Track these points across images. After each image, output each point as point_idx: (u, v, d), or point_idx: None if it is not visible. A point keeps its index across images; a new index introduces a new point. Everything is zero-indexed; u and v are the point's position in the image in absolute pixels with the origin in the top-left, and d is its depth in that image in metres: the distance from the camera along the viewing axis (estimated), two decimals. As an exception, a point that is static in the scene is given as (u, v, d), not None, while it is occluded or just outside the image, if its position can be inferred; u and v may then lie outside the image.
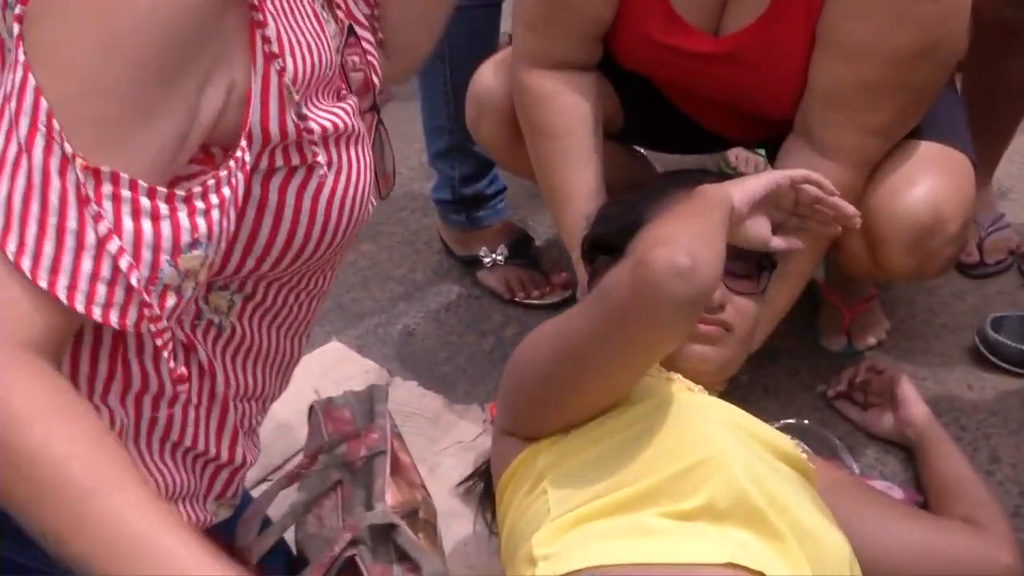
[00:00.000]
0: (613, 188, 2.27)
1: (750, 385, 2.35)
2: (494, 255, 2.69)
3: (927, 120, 2.15)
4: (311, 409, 1.86)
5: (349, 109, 1.37)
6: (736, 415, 1.79)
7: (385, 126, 1.55)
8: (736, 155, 2.91)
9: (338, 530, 1.67)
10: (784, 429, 2.13)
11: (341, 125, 1.33)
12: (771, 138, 2.23)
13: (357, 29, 1.47)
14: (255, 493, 1.79)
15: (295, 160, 1.28)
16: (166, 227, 1.13)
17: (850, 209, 1.94)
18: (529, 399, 1.77)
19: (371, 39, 1.53)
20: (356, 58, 1.45)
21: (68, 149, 1.06)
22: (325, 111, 1.32)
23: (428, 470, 2.12)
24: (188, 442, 1.38)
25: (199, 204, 1.15)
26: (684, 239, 1.63)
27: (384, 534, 1.67)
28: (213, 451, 1.42)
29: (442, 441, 2.24)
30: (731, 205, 1.80)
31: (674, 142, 2.58)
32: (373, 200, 1.45)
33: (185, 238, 1.14)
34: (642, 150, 2.74)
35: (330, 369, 2.36)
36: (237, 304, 1.38)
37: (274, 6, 1.23)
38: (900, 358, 2.49)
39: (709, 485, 1.59)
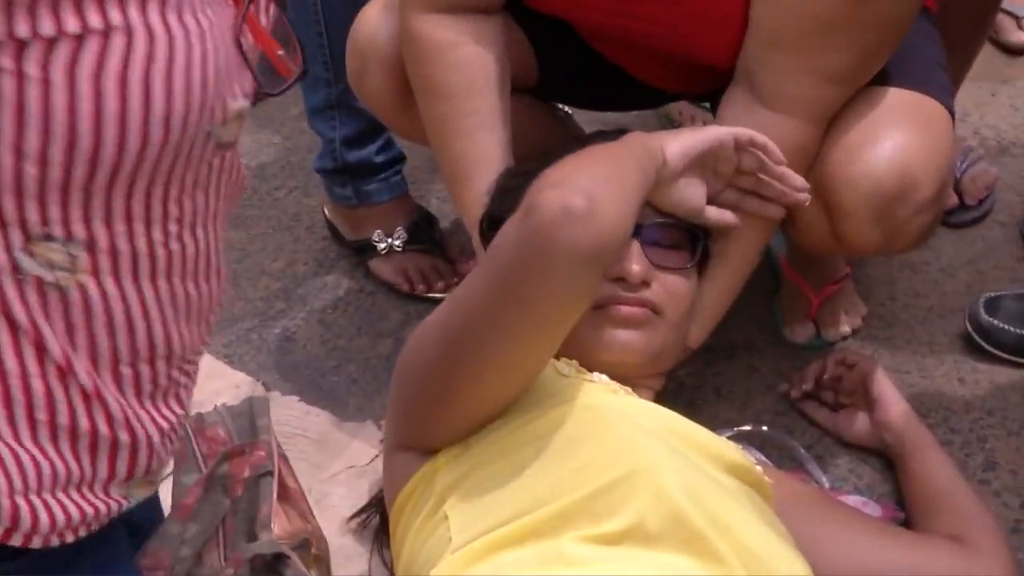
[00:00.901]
0: (528, 153, 2.26)
1: (699, 387, 2.39)
2: (390, 240, 2.72)
3: (895, 62, 2.17)
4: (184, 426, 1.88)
5: None
6: (672, 421, 1.82)
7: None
8: (680, 110, 2.96)
9: (219, 569, 1.75)
10: (739, 437, 2.21)
11: None
12: (715, 90, 2.25)
13: None
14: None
15: (55, 25, 1.22)
16: None
17: (798, 181, 1.99)
18: (420, 397, 1.80)
19: None
20: None
21: None
22: None
23: (314, 501, 2.13)
24: (61, 421, 1.38)
25: None
26: (582, 179, 1.67)
27: (269, 568, 1.74)
28: (91, 428, 1.40)
29: (331, 467, 2.27)
30: (662, 156, 1.84)
31: (601, 97, 2.62)
32: (243, 91, 1.39)
33: None
34: (566, 108, 2.76)
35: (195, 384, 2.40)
36: (81, 258, 1.33)
37: None
38: (878, 349, 2.52)
39: (636, 503, 1.61)
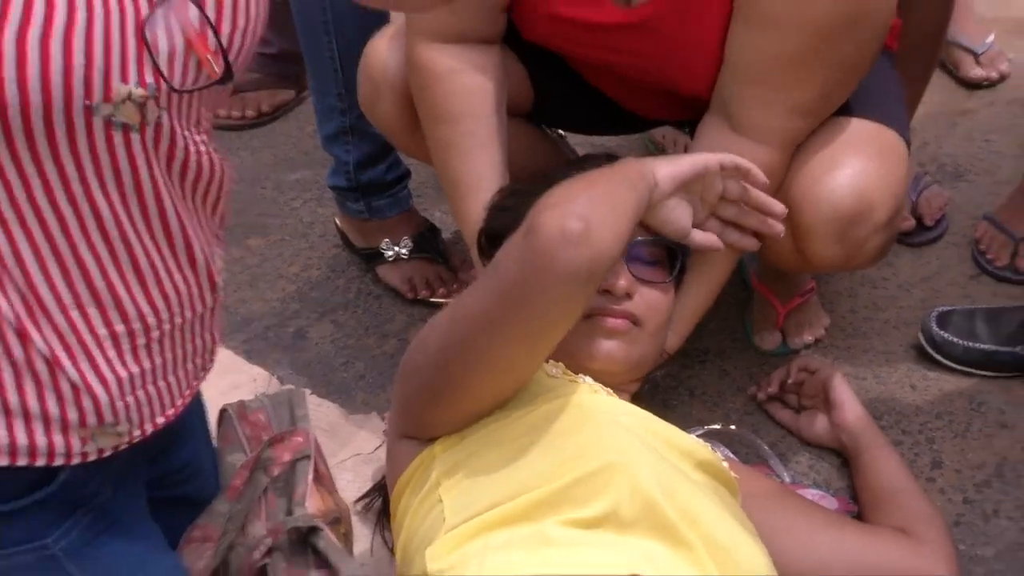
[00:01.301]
0: (523, 175, 2.28)
1: (675, 388, 2.40)
2: (397, 248, 2.72)
3: (857, 96, 2.19)
4: (222, 413, 1.91)
5: None
6: (648, 419, 1.85)
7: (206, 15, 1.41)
8: (663, 134, 2.96)
9: (260, 538, 1.73)
10: (709, 435, 2.21)
11: None
12: (694, 117, 2.25)
13: None
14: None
15: None
16: None
17: (777, 207, 2.00)
18: (422, 392, 1.81)
19: None
20: None
21: None
22: None
23: (323, 485, 2.14)
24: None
25: None
26: (579, 202, 1.69)
27: (303, 540, 1.73)
28: (35, 366, 1.39)
29: (339, 454, 2.28)
30: (654, 180, 1.86)
31: (591, 122, 2.62)
32: (138, 77, 1.34)
33: None
34: (559, 132, 2.76)
35: (214, 378, 2.38)
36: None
37: None
38: (839, 357, 2.54)
39: (612, 491, 1.64)
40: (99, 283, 1.41)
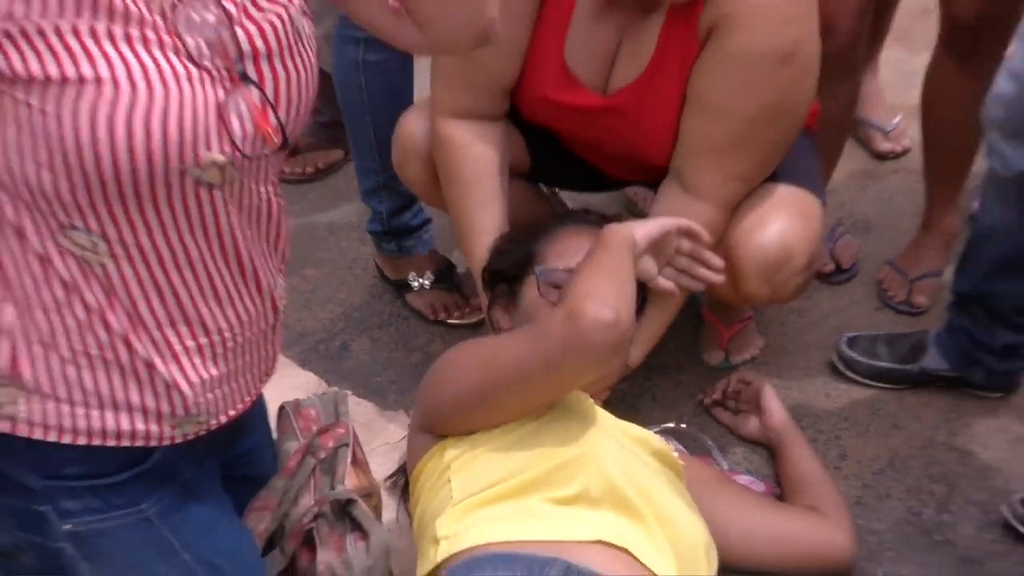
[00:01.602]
0: (521, 223, 2.29)
1: (639, 395, 2.39)
2: (421, 280, 2.70)
3: (783, 166, 2.22)
4: (281, 409, 1.88)
5: (122, 35, 1.26)
6: (616, 420, 1.89)
7: (265, 93, 1.40)
8: (635, 192, 2.93)
9: (308, 508, 1.73)
10: (665, 432, 2.21)
11: (84, 35, 1.22)
12: (657, 179, 2.26)
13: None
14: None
15: (42, 70, 1.22)
16: None
17: (718, 263, 2.01)
18: (450, 408, 1.83)
19: (270, 12, 1.41)
20: (211, 16, 1.33)
21: None
22: (70, 18, 1.22)
23: (360, 467, 2.11)
24: (112, 358, 1.39)
25: None
26: (609, 293, 1.74)
27: (342, 509, 1.72)
28: (138, 370, 1.40)
29: (372, 443, 2.26)
30: (634, 241, 1.88)
31: (577, 182, 2.60)
32: (221, 148, 1.35)
33: None
34: (554, 189, 2.73)
35: (274, 380, 2.34)
36: (102, 246, 1.33)
37: None
38: (769, 371, 2.51)
39: (583, 476, 1.68)
40: (187, 306, 1.41)
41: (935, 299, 2.68)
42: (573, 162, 2.43)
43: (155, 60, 1.27)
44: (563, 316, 1.72)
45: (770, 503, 2.16)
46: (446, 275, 2.73)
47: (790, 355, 2.62)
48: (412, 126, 2.36)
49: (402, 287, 2.76)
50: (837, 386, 2.54)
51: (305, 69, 1.44)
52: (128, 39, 1.25)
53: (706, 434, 2.36)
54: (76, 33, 1.21)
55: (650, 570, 1.65)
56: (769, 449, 2.32)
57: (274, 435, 1.89)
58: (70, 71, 1.21)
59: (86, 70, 1.21)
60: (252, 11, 1.38)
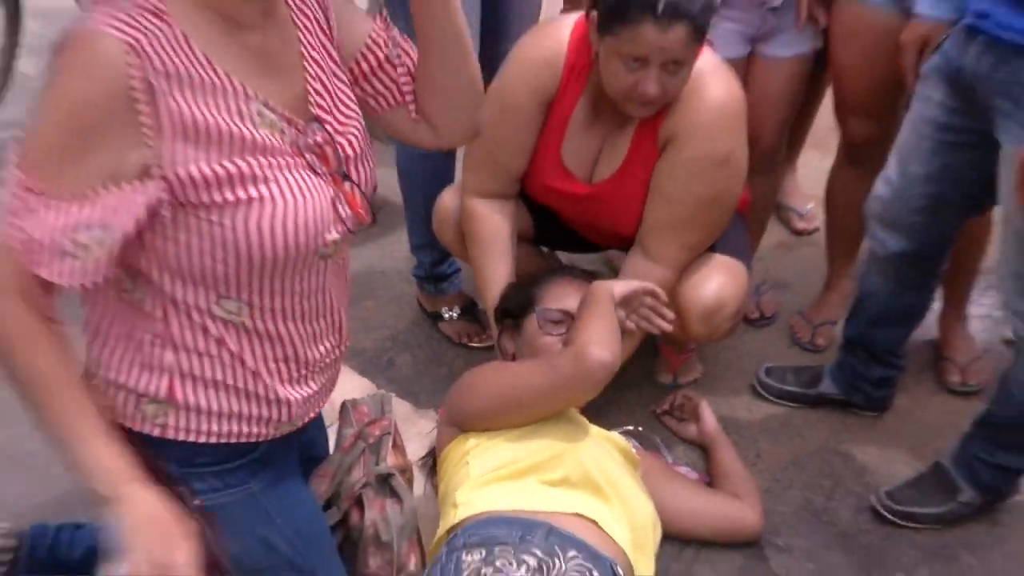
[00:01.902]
0: (525, 274, 2.28)
1: (609, 404, 2.36)
2: (451, 313, 2.69)
3: (720, 240, 2.25)
4: (343, 405, 1.86)
5: (281, 171, 1.30)
6: (589, 424, 1.91)
7: (360, 186, 1.44)
8: (611, 253, 2.80)
9: (359, 479, 1.73)
10: (626, 433, 2.19)
11: (254, 174, 1.27)
12: (627, 246, 2.26)
13: (324, 124, 1.40)
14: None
15: (221, 197, 1.25)
16: (57, 216, 1.17)
17: (669, 315, 2.00)
18: (475, 414, 1.86)
19: (349, 126, 1.44)
20: (319, 137, 1.38)
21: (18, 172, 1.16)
22: (241, 165, 1.27)
23: (399, 451, 2.02)
24: (242, 386, 1.41)
25: (94, 205, 1.18)
26: (607, 339, 1.78)
27: (384, 481, 1.73)
28: (260, 392, 1.42)
29: (408, 432, 2.18)
30: (613, 296, 1.89)
31: (567, 245, 2.58)
32: (336, 230, 1.38)
33: (73, 223, 1.18)
34: (552, 251, 2.69)
35: (338, 384, 2.13)
36: (245, 310, 1.36)
37: (182, 100, 1.21)
38: (706, 391, 2.51)
39: (566, 465, 1.73)
40: (298, 348, 1.44)
41: (831, 341, 2.67)
42: (566, 231, 2.43)
43: (294, 177, 1.31)
44: (573, 356, 1.76)
45: (702, 488, 2.18)
46: (470, 310, 2.71)
47: (722, 379, 2.62)
48: (448, 202, 2.37)
49: (436, 318, 2.74)
50: (756, 403, 2.55)
51: (373, 163, 1.47)
52: (275, 166, 1.30)
53: (656, 435, 2.37)
54: (246, 166, 1.27)
55: (612, 537, 1.68)
56: (703, 448, 2.33)
57: (335, 424, 1.87)
58: (242, 195, 1.26)
59: (252, 192, 1.27)
60: (339, 127, 1.42)
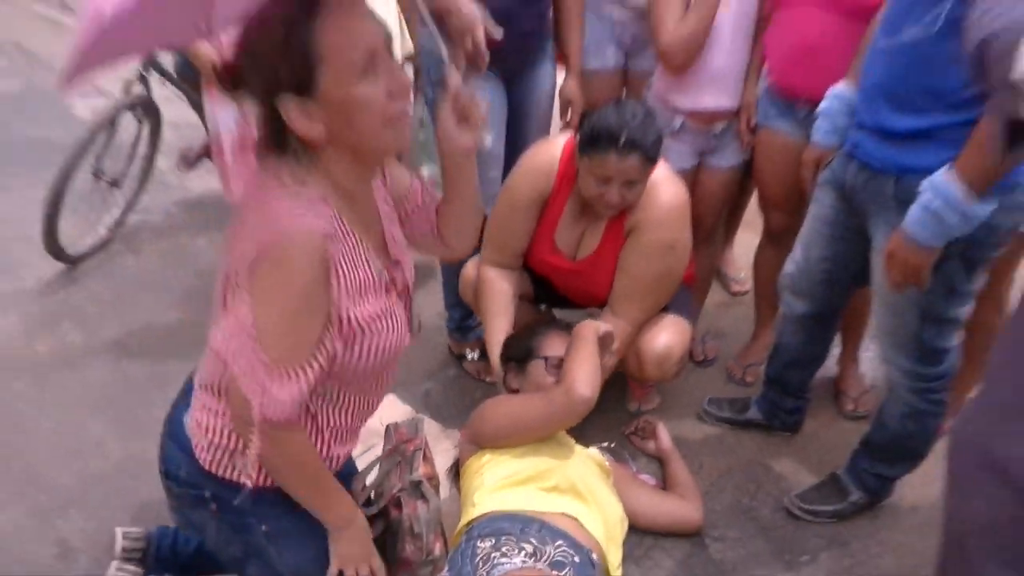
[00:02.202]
0: (522, 327, 2.24)
1: (588, 426, 2.13)
2: (472, 355, 2.64)
3: (670, 303, 2.29)
4: (387, 428, 1.81)
5: (385, 305, 1.30)
6: (575, 444, 1.96)
7: (411, 308, 1.42)
8: (593, 311, 2.54)
9: (396, 485, 1.68)
10: (601, 448, 2.15)
11: (376, 312, 1.27)
12: (602, 306, 2.24)
13: (400, 264, 1.37)
14: (362, 460, 1.77)
15: (359, 328, 1.25)
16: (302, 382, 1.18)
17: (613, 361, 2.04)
18: (490, 437, 1.87)
19: (408, 259, 1.42)
20: (396, 274, 1.36)
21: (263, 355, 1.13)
22: (370, 305, 1.26)
23: (430, 462, 2.00)
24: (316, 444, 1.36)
25: (314, 363, 1.18)
26: (592, 380, 1.79)
27: (416, 486, 1.68)
28: (324, 451, 1.38)
29: (436, 448, 2.09)
30: (597, 332, 1.92)
31: (559, 304, 2.53)
32: (406, 340, 1.36)
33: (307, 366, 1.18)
34: (548, 308, 2.64)
35: (384, 410, 1.84)
36: (337, 394, 1.34)
37: (345, 262, 1.20)
38: (663, 416, 2.50)
39: (557, 476, 1.76)
40: (354, 419, 1.41)
41: (757, 379, 2.65)
42: (558, 294, 2.42)
43: (392, 305, 1.31)
44: (564, 392, 1.79)
45: (658, 492, 2.17)
46: (485, 354, 2.30)
47: (675, 408, 2.60)
48: (470, 271, 2.36)
49: (462, 358, 2.71)
50: (700, 426, 2.54)
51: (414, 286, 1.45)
52: (389, 302, 1.30)
53: (625, 451, 2.35)
54: (379, 305, 1.27)
55: (590, 532, 1.71)
56: (660, 461, 2.31)
57: (383, 441, 1.80)
58: (376, 327, 1.26)
59: (380, 325, 1.27)
60: (404, 261, 1.41)
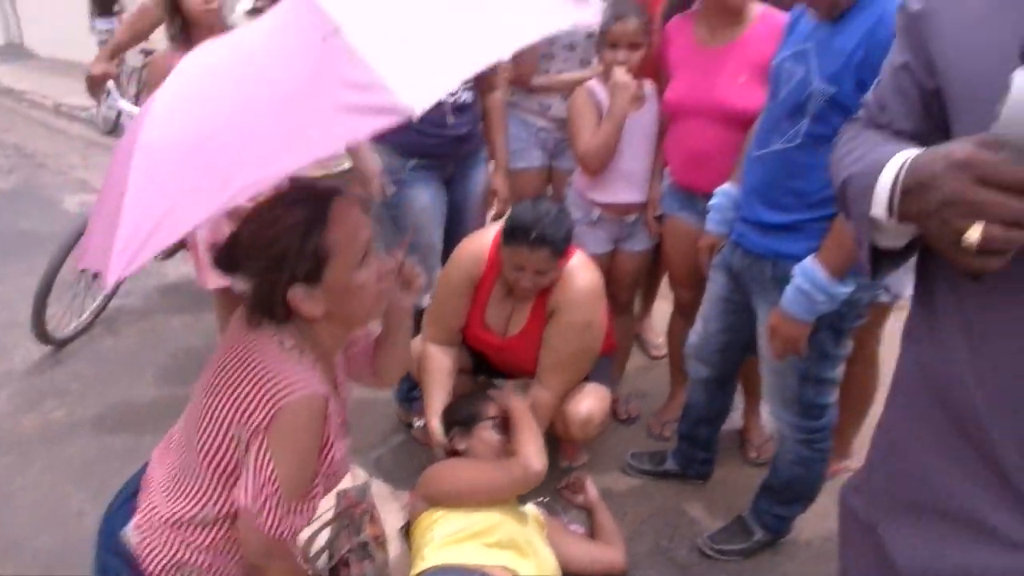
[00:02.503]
0: (465, 395, 2.26)
1: None
2: (419, 423, 2.42)
3: (591, 373, 2.38)
4: (337, 493, 1.84)
5: (343, 447, 1.36)
6: (516, 501, 1.98)
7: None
8: (523, 381, 2.49)
9: (343, 545, 1.73)
10: (538, 504, 2.21)
11: (338, 456, 1.35)
12: (531, 376, 2.29)
13: (341, 391, 1.41)
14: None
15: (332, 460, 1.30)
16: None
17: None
18: (442, 499, 1.87)
19: (346, 387, 1.45)
20: (342, 397, 1.40)
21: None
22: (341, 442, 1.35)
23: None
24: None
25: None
26: (540, 452, 1.86)
27: (364, 547, 1.74)
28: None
29: (385, 508, 2.07)
30: (527, 408, 2.00)
31: (494, 375, 2.55)
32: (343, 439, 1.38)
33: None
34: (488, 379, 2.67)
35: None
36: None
37: (331, 413, 1.26)
38: (591, 470, 2.56)
39: (499, 532, 1.84)
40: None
41: (673, 434, 2.69)
42: (491, 365, 2.47)
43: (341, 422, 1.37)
44: (521, 468, 1.86)
45: (586, 540, 2.21)
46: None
47: (602, 462, 2.65)
48: (416, 347, 2.33)
49: (409, 426, 2.72)
50: (623, 478, 2.59)
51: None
52: (336, 422, 1.34)
53: (557, 504, 2.38)
54: (335, 428, 1.31)
55: None
56: (587, 511, 2.35)
57: (334, 506, 1.82)
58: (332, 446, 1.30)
59: (335, 442, 1.32)
60: (345, 391, 1.48)
